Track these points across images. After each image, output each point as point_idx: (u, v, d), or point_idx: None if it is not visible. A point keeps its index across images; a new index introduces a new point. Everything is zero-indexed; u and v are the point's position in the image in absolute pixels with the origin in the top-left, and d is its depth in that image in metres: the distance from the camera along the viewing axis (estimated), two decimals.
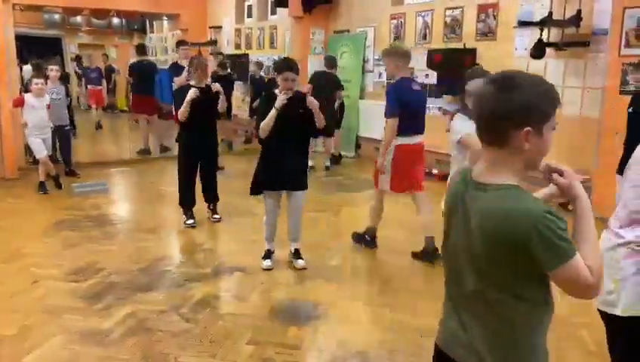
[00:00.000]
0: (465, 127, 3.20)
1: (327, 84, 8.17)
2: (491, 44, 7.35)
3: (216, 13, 13.35)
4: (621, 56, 5.64)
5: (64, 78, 10.43)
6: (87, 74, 12.55)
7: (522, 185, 1.43)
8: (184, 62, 8.23)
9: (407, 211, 5.02)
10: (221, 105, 5.53)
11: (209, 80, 5.78)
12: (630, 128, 4.17)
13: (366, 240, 4.94)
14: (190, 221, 5.56)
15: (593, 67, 6.07)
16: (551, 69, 6.46)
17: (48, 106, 6.84)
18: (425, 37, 8.37)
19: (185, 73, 7.86)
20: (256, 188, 4.42)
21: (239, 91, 11.77)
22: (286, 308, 3.74)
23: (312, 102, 4.17)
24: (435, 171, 7.93)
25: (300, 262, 4.47)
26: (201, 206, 5.83)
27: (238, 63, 11.65)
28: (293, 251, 4.55)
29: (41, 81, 6.84)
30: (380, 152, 4.59)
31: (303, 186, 4.43)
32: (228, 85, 8.81)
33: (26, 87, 7.25)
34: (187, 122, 5.26)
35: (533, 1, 6.70)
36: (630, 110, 4.32)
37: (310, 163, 8.48)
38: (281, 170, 4.26)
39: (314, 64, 9.82)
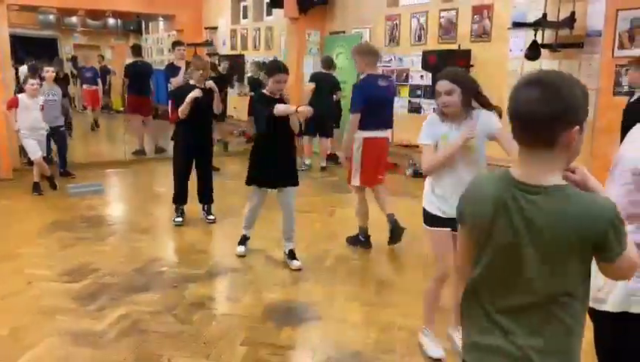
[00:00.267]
0: (424, 137, 3.04)
1: (327, 85, 8.20)
2: (486, 46, 7.38)
3: (212, 13, 13.35)
4: (614, 58, 5.68)
5: (64, 80, 10.45)
6: (83, 73, 12.50)
7: None
8: (180, 63, 8.23)
9: (404, 212, 5.03)
10: (216, 106, 5.56)
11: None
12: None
13: (360, 241, 4.99)
14: (179, 219, 5.66)
15: (587, 68, 6.10)
16: (527, 73, 6.47)
17: (42, 107, 6.83)
18: (420, 38, 8.39)
19: (181, 74, 7.88)
20: (251, 181, 4.55)
21: (236, 92, 11.78)
22: (280, 309, 3.74)
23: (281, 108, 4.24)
24: None
25: (296, 263, 4.49)
26: (196, 207, 5.83)
27: (235, 64, 11.66)
28: (287, 252, 4.57)
29: (36, 81, 6.83)
30: (342, 146, 4.85)
31: (295, 182, 4.51)
32: (221, 86, 8.81)
33: (20, 88, 7.23)
34: (185, 121, 5.32)
35: (527, 2, 6.73)
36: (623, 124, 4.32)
37: (307, 162, 8.55)
38: (273, 168, 4.38)
39: (309, 65, 9.84)
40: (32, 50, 13.30)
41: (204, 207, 5.79)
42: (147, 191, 7.12)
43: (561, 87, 1.38)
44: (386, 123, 4.88)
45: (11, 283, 4.10)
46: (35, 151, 6.74)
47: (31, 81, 6.77)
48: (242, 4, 12.75)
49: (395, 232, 4.87)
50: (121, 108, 15.07)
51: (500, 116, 2.96)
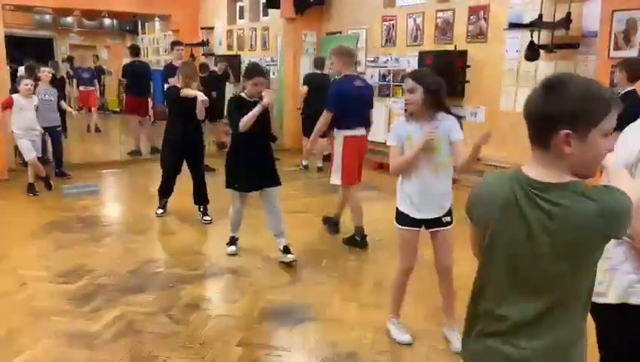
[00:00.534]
0: (391, 138, 3.14)
1: (320, 85, 8.19)
2: (482, 46, 7.39)
3: (208, 14, 13.33)
4: (610, 59, 5.69)
5: (60, 82, 10.42)
6: (79, 74, 12.37)
7: None
8: (179, 63, 8.21)
9: None
10: (199, 112, 5.50)
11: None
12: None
13: (356, 241, 5.00)
14: (160, 211, 5.92)
15: (583, 69, 6.11)
16: (541, 70, 6.50)
17: (36, 108, 6.81)
18: (416, 39, 8.39)
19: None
20: (231, 185, 4.58)
21: (231, 92, 11.75)
22: (276, 310, 3.73)
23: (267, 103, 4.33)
24: None
25: (290, 256, 4.55)
26: (192, 208, 5.82)
27: (231, 65, 11.64)
28: (282, 248, 4.60)
29: (30, 82, 6.81)
30: (310, 140, 5.19)
31: (275, 182, 4.55)
32: (212, 86, 8.83)
33: (15, 88, 7.20)
34: (174, 122, 5.59)
35: (523, 3, 6.74)
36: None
37: (305, 163, 8.56)
38: (250, 170, 4.43)
39: (306, 65, 9.83)
40: (28, 50, 13.27)
41: (200, 208, 5.80)
42: (143, 191, 7.09)
43: (562, 89, 1.35)
44: (364, 121, 5.00)
45: (6, 284, 4.08)
46: (29, 152, 6.71)
47: (25, 81, 6.74)
48: (238, 4, 12.74)
49: (332, 227, 5.34)
50: (117, 109, 15.06)
51: (461, 126, 3.09)
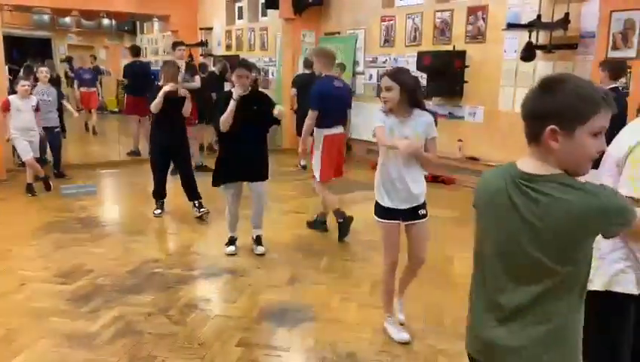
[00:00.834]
0: (376, 121, 3.25)
1: (310, 86, 8.19)
2: (480, 47, 7.40)
3: (207, 14, 13.33)
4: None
5: (55, 81, 10.37)
6: (80, 75, 12.25)
7: None
8: (181, 63, 8.21)
9: None
10: (185, 110, 5.77)
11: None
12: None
13: (319, 224, 5.46)
14: (157, 211, 5.96)
15: (581, 69, 6.12)
16: (540, 71, 6.51)
17: (37, 109, 6.80)
18: (415, 39, 8.40)
19: (182, 73, 7.91)
20: (215, 181, 4.68)
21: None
22: (275, 310, 3.73)
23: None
24: (425, 173, 7.96)
25: (260, 248, 4.77)
26: (189, 207, 5.83)
27: (230, 65, 11.64)
28: (255, 238, 4.81)
29: (28, 83, 6.81)
30: (301, 139, 5.22)
31: (262, 177, 4.69)
32: (212, 87, 8.83)
33: (13, 89, 7.19)
34: (157, 123, 5.75)
35: (522, 3, 6.75)
36: None
37: (303, 163, 8.56)
38: (239, 162, 4.51)
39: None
40: (26, 50, 13.25)
41: (195, 203, 5.92)
42: (141, 192, 7.08)
43: (555, 88, 1.42)
44: (341, 120, 5.24)
45: (4, 284, 4.08)
46: (26, 153, 6.70)
47: (22, 82, 6.74)
48: (237, 4, 12.74)
49: (318, 225, 5.47)
50: (116, 109, 15.03)
51: (435, 122, 3.27)
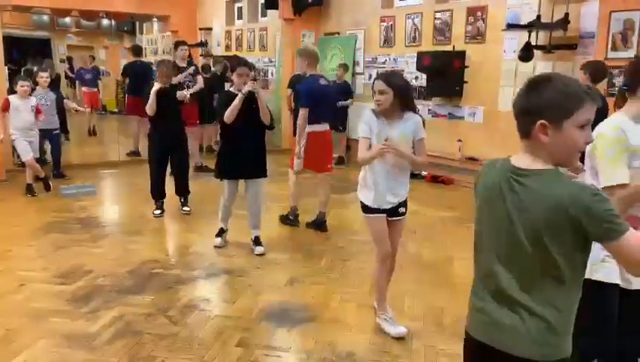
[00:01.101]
0: (363, 124, 3.34)
1: None
2: (480, 47, 7.40)
3: (207, 14, 13.32)
4: (608, 59, 5.70)
5: (55, 81, 10.36)
6: (82, 75, 12.11)
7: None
8: (183, 63, 8.20)
9: None
10: (179, 95, 5.92)
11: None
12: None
13: (290, 220, 5.61)
14: (157, 211, 5.95)
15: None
16: (539, 71, 6.51)
17: (38, 111, 6.80)
18: (414, 39, 8.40)
19: (185, 73, 7.92)
20: (219, 174, 4.82)
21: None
22: (275, 310, 3.73)
23: (259, 99, 4.56)
24: (424, 173, 7.97)
25: (259, 249, 4.78)
26: (190, 209, 5.83)
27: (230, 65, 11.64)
28: (253, 238, 4.84)
29: (27, 83, 6.81)
30: (297, 140, 5.29)
31: (260, 174, 4.77)
32: (215, 87, 8.84)
33: (13, 89, 7.18)
34: (156, 122, 5.75)
35: (521, 4, 6.75)
36: None
37: None
38: (239, 159, 4.63)
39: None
40: (26, 50, 13.24)
41: (181, 199, 6.06)
42: (141, 192, 7.07)
43: (544, 85, 1.53)
44: (326, 117, 5.41)
45: (4, 284, 4.07)
46: (26, 153, 6.70)
47: (21, 83, 6.74)
48: (237, 5, 12.74)
49: (318, 225, 5.51)
50: (115, 109, 15.02)
51: (423, 124, 3.42)
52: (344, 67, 8.99)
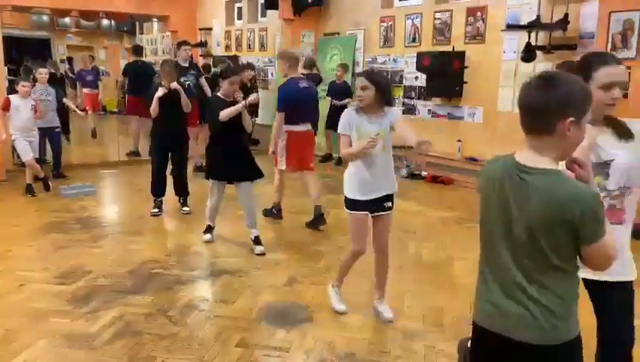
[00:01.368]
0: (343, 121, 3.48)
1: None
2: (480, 47, 7.40)
3: (206, 15, 13.32)
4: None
5: (59, 80, 10.36)
6: (83, 76, 11.99)
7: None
8: (185, 64, 8.21)
9: (399, 213, 5.02)
10: (184, 105, 5.84)
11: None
12: None
13: (274, 213, 5.80)
14: (155, 210, 6.02)
15: None
16: (539, 71, 6.51)
17: (35, 110, 6.80)
18: (414, 40, 8.41)
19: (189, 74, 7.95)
20: (208, 175, 4.97)
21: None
22: (274, 311, 3.74)
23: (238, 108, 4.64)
24: (424, 173, 7.97)
25: (259, 248, 4.82)
26: (191, 210, 5.83)
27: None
28: (253, 238, 4.88)
29: (28, 84, 6.81)
30: (272, 141, 5.46)
31: (248, 177, 4.85)
32: (217, 87, 8.82)
33: (13, 89, 7.19)
34: (158, 121, 5.80)
35: (521, 4, 6.76)
36: None
37: None
38: (227, 162, 4.75)
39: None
40: (26, 50, 13.23)
41: (180, 200, 6.11)
42: (141, 192, 7.08)
43: (559, 82, 1.57)
44: (308, 118, 5.58)
45: (4, 284, 4.07)
46: (27, 153, 6.71)
47: (23, 83, 6.74)
48: (237, 5, 12.73)
49: (317, 221, 5.53)
50: (115, 110, 15.01)
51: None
52: (344, 67, 9.00)
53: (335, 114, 8.89)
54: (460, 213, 5.96)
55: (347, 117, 3.43)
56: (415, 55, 7.98)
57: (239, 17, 12.70)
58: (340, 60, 9.52)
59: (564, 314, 1.63)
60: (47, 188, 6.92)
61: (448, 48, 7.69)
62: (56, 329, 3.40)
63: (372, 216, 3.48)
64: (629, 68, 5.65)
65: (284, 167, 5.57)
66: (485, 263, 1.77)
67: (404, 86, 8.65)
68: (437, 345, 3.26)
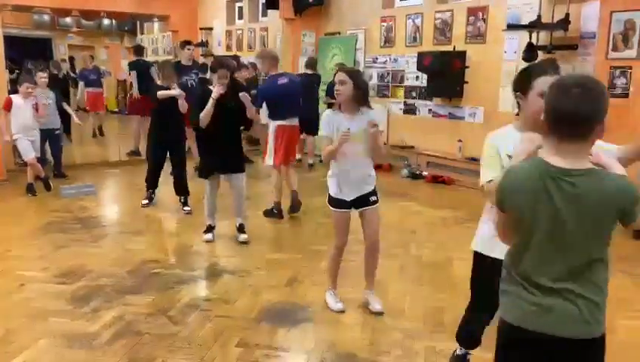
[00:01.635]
0: (323, 123, 3.58)
1: (311, 86, 8.25)
2: (481, 47, 7.40)
3: (207, 14, 13.32)
4: (608, 60, 5.70)
5: (62, 82, 10.36)
6: (86, 76, 11.93)
7: None
8: (189, 63, 8.21)
9: (401, 213, 5.03)
10: (181, 106, 5.84)
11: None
12: None
13: (274, 213, 5.84)
14: (145, 201, 6.30)
15: (581, 70, 6.11)
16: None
17: (37, 108, 6.80)
18: (415, 39, 8.40)
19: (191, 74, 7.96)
20: (201, 173, 5.10)
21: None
22: (275, 311, 3.73)
23: (245, 97, 4.73)
24: (425, 173, 7.96)
25: (243, 236, 5.04)
26: (192, 209, 5.82)
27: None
28: (238, 226, 5.11)
29: (32, 86, 6.84)
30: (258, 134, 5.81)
31: (239, 169, 5.00)
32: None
33: (15, 89, 7.19)
34: (156, 120, 5.97)
35: (522, 4, 6.75)
36: None
37: (311, 161, 8.63)
38: (218, 156, 4.85)
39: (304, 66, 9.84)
40: (26, 50, 13.23)
41: (181, 199, 6.15)
42: (141, 192, 7.07)
43: (598, 90, 1.65)
44: (293, 112, 5.76)
45: (4, 284, 4.08)
46: (28, 152, 6.71)
47: (26, 84, 6.74)
48: (237, 5, 12.73)
49: (294, 205, 5.87)
50: (116, 109, 15.02)
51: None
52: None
53: None
54: (461, 213, 5.95)
55: (326, 118, 3.51)
56: (416, 55, 7.98)
57: (240, 17, 12.70)
58: (338, 60, 9.52)
59: (603, 306, 1.71)
60: (47, 187, 6.93)
61: (449, 48, 7.68)
62: (56, 329, 3.40)
63: (359, 212, 3.60)
64: (630, 68, 5.66)
65: (271, 163, 5.74)
66: (527, 268, 1.76)
67: (405, 86, 8.65)
68: (437, 345, 3.26)
